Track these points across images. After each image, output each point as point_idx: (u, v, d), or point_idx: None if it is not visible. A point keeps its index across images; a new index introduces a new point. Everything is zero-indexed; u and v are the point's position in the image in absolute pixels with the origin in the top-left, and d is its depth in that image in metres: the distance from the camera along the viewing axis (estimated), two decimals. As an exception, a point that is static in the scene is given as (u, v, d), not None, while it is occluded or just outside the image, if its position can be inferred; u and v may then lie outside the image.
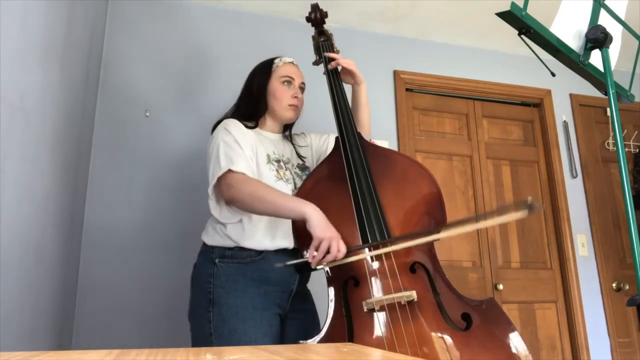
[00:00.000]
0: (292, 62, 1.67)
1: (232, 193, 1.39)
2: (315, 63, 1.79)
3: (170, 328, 2.08)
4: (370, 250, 1.32)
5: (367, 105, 1.71)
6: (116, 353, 0.63)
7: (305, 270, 1.33)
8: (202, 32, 2.51)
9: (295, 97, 1.60)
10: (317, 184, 1.49)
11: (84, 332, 2.00)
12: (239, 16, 2.59)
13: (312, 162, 1.70)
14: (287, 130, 1.71)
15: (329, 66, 1.64)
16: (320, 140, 1.74)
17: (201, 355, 0.64)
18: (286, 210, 1.35)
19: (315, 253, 1.28)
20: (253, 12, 2.61)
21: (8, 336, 1.21)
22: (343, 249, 1.28)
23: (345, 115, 1.55)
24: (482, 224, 1.29)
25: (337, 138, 1.56)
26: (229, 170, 1.40)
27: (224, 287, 1.40)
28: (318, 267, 1.30)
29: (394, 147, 2.65)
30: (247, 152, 1.46)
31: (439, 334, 1.23)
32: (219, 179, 1.41)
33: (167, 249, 2.18)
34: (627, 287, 2.85)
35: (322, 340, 1.28)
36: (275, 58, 1.67)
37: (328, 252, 1.27)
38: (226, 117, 1.60)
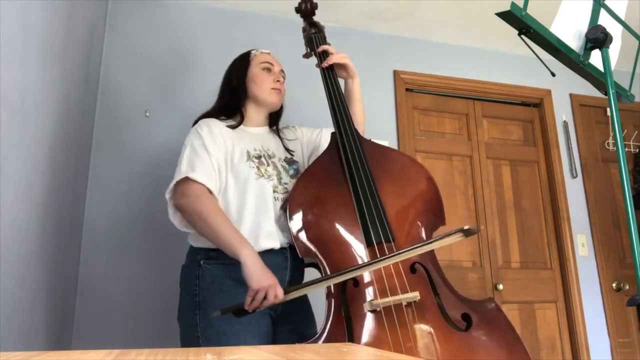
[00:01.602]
0: (269, 53, 1.65)
1: (182, 203, 1.36)
2: (306, 56, 1.76)
3: (170, 328, 2.08)
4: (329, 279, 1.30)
5: (360, 99, 1.66)
6: (116, 353, 0.63)
7: (243, 315, 1.29)
8: (202, 31, 2.51)
9: (277, 81, 1.57)
10: (313, 180, 1.47)
11: (84, 332, 1.99)
12: (238, 16, 2.58)
13: (301, 156, 1.65)
14: (273, 124, 1.66)
15: (322, 64, 1.61)
16: (312, 134, 1.70)
17: (201, 355, 0.64)
18: (223, 246, 1.32)
19: (252, 302, 1.26)
20: (253, 12, 2.61)
21: (8, 336, 1.21)
22: (280, 295, 1.26)
23: (341, 109, 1.53)
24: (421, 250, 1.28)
25: (333, 133, 1.53)
26: (187, 178, 1.36)
27: (209, 289, 1.38)
28: (259, 309, 1.27)
29: (394, 147, 2.65)
30: (215, 157, 1.41)
31: (439, 334, 1.23)
32: (177, 184, 1.38)
33: (166, 248, 2.17)
34: (627, 287, 2.85)
35: (321, 341, 1.28)
36: (251, 50, 1.64)
37: (265, 298, 1.25)
38: (207, 114, 1.56)
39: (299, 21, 1.83)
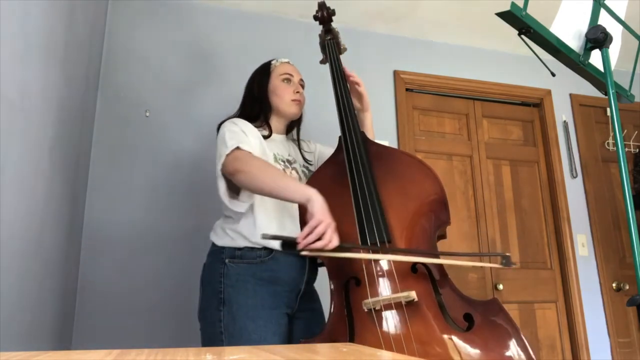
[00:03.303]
0: (288, 62, 1.68)
1: (237, 165, 1.37)
2: (322, 62, 1.80)
3: (170, 327, 2.08)
4: (367, 251, 1.31)
5: (371, 131, 1.69)
6: (116, 353, 0.63)
7: (289, 249, 1.24)
8: (202, 32, 2.51)
9: (297, 92, 1.61)
10: (319, 183, 1.48)
11: (84, 332, 2.00)
12: (239, 16, 2.58)
13: (316, 168, 1.69)
14: (291, 131, 1.71)
15: (349, 79, 1.64)
16: (326, 151, 1.72)
17: (201, 355, 0.64)
18: (290, 191, 1.31)
19: (307, 235, 1.22)
20: (253, 12, 2.61)
21: (8, 336, 1.21)
22: (335, 241, 1.24)
23: (348, 114, 1.55)
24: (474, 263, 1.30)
25: (340, 137, 1.55)
26: (237, 148, 1.39)
27: (234, 287, 1.40)
28: (303, 252, 1.23)
29: (395, 147, 2.65)
30: (253, 141, 1.47)
31: (440, 334, 1.23)
32: (227, 157, 1.39)
33: (166, 248, 2.17)
34: (627, 287, 2.85)
35: (323, 340, 1.28)
36: (271, 60, 1.68)
37: (320, 239, 1.22)
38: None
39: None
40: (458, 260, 1.29)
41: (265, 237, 1.25)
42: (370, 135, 1.65)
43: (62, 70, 1.60)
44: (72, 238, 1.93)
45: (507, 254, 1.23)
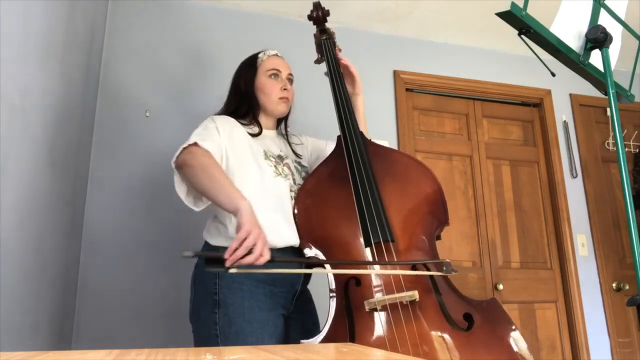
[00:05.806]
0: (276, 54, 1.64)
1: (186, 157, 1.33)
2: (317, 62, 1.78)
3: (170, 328, 2.08)
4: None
5: (363, 117, 1.66)
6: (116, 353, 0.63)
7: (215, 267, 1.15)
8: (202, 31, 2.51)
9: (284, 89, 1.57)
10: (319, 182, 1.48)
11: (84, 332, 2.00)
12: (238, 16, 2.59)
13: (308, 160, 1.68)
14: (279, 125, 1.67)
15: (341, 61, 1.62)
16: (319, 143, 1.72)
17: (201, 355, 0.64)
18: (222, 195, 1.25)
19: (235, 250, 1.14)
20: (253, 12, 2.61)
21: (8, 336, 1.21)
22: (267, 254, 1.16)
23: (347, 113, 1.54)
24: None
25: (339, 136, 1.55)
26: (195, 144, 1.35)
27: (230, 288, 1.37)
28: (231, 270, 1.15)
29: (394, 147, 2.65)
30: (224, 141, 1.42)
31: (440, 334, 1.23)
32: (183, 149, 1.35)
33: (166, 248, 2.17)
34: (627, 287, 2.85)
35: (323, 340, 1.28)
36: (259, 52, 1.64)
37: (250, 252, 1.14)
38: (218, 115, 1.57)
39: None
40: (400, 269, 1.30)
41: (186, 256, 1.16)
42: (362, 121, 1.64)
43: (62, 70, 1.60)
44: (72, 238, 1.93)
45: (447, 260, 1.28)
